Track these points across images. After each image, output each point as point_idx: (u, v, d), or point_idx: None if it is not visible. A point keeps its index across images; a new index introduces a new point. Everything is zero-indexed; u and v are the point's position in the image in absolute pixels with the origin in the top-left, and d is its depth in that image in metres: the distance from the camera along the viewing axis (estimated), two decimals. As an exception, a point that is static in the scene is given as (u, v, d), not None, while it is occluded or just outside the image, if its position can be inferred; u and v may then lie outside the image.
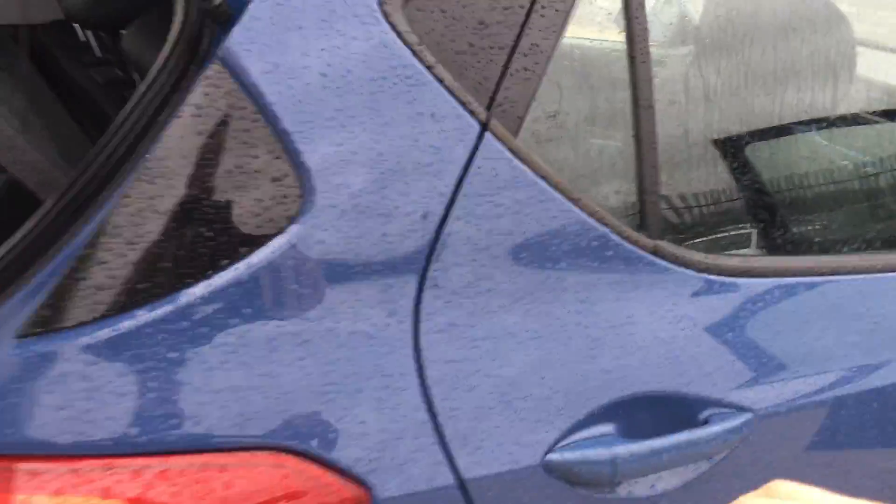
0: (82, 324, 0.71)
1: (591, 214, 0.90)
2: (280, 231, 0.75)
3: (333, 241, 0.77)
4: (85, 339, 0.70)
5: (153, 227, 0.72)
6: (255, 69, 0.73)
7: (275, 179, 0.75)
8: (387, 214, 0.79)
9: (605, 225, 0.91)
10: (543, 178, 0.86)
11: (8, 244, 0.73)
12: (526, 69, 0.86)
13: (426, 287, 0.82)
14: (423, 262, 0.81)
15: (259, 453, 0.74)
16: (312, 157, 0.75)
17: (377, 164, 0.78)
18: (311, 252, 0.76)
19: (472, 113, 0.82)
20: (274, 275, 0.75)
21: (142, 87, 0.76)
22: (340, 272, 0.78)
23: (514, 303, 0.86)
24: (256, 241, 0.75)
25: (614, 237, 0.91)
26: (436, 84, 0.80)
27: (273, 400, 0.75)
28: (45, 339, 0.70)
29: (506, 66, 0.85)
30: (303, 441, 0.76)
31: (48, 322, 0.70)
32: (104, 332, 0.71)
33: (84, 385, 0.70)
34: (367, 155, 0.78)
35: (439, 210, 0.81)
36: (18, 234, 0.72)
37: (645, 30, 0.94)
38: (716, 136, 1.15)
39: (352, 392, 0.78)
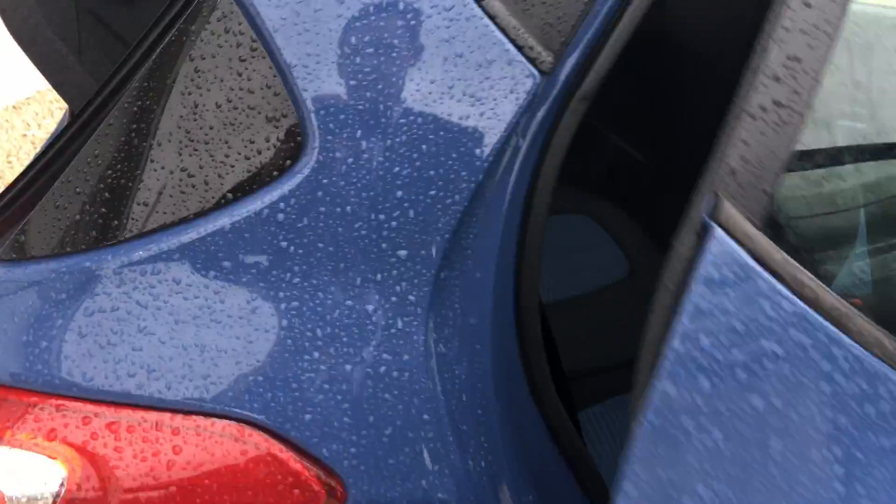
0: (54, 255, 0.67)
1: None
2: (273, 179, 0.66)
3: (335, 199, 0.66)
4: (50, 271, 0.67)
5: (126, 165, 0.66)
6: (258, -10, 0.64)
7: (271, 119, 0.65)
8: (402, 177, 0.66)
9: None
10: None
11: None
12: None
13: (442, 268, 0.68)
14: (448, 231, 0.68)
15: (219, 422, 0.67)
16: (316, 97, 0.65)
17: (397, 118, 0.65)
18: (308, 207, 0.66)
19: (530, 60, 0.67)
20: (261, 227, 0.66)
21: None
22: (339, 235, 0.67)
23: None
24: (244, 189, 0.66)
25: None
26: (485, 21, 0.66)
27: (244, 367, 0.67)
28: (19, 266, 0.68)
29: None
30: (273, 418, 0.67)
31: (22, 250, 0.68)
32: (73, 265, 0.67)
33: (48, 319, 0.66)
34: (385, 105, 0.65)
35: (476, 178, 0.67)
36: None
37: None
38: None
39: (341, 376, 0.68)
